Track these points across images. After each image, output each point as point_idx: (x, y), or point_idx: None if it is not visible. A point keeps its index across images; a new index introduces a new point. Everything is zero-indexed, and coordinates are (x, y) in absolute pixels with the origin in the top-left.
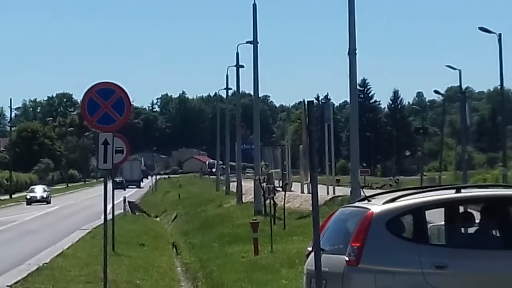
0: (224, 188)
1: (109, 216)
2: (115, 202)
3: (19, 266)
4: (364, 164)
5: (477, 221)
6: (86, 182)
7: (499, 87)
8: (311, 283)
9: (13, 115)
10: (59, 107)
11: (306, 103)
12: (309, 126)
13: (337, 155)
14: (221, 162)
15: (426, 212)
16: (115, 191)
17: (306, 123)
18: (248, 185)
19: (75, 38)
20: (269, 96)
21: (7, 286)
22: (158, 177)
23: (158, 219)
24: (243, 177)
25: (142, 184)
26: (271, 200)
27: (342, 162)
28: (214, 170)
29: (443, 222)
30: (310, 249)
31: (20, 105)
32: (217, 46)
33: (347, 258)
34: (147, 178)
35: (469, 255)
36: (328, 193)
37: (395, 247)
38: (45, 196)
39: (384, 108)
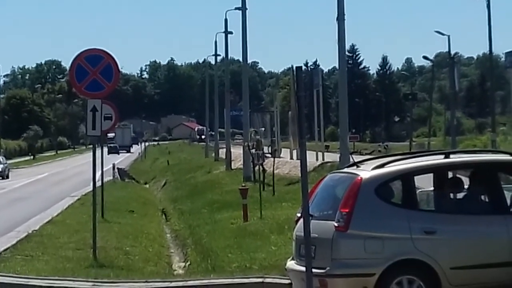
0: (213, 154)
1: (98, 183)
2: (104, 169)
3: (8, 233)
4: (353, 130)
5: (465, 186)
6: (75, 149)
7: (488, 52)
8: (300, 249)
9: (1, 82)
10: (48, 74)
11: (294, 68)
12: (298, 92)
13: (326, 121)
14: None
15: (415, 177)
16: (109, 155)
17: (294, 89)
18: (237, 152)
19: (64, 5)
20: (258, 63)
21: None
22: (147, 143)
23: (147, 186)
24: (232, 143)
25: (132, 150)
26: (260, 167)
27: (331, 128)
28: (203, 136)
29: (432, 188)
30: (299, 215)
31: (8, 72)
32: (206, 12)
33: (336, 224)
34: (137, 144)
35: (458, 221)
36: (317, 159)
37: (384, 213)
38: None
39: (373, 74)
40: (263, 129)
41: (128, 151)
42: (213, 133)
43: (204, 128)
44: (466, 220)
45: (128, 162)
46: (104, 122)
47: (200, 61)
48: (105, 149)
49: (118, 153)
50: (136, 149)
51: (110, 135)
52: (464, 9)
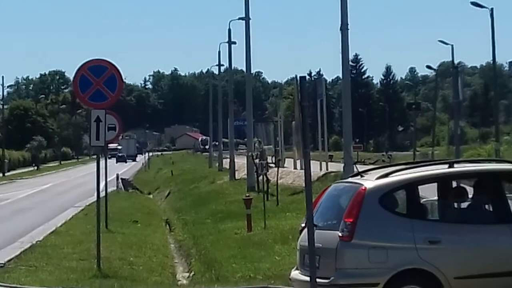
0: (217, 164)
1: (102, 193)
2: (108, 180)
3: (12, 243)
4: (357, 140)
5: (470, 196)
6: (79, 160)
7: (491, 62)
8: (305, 259)
9: (5, 92)
10: (51, 85)
11: (298, 78)
12: (302, 101)
13: (330, 131)
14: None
15: (419, 187)
16: (118, 163)
17: (298, 98)
18: (241, 162)
19: (67, 15)
20: (261, 73)
21: (0, 264)
22: (150, 154)
23: (151, 196)
24: (236, 153)
25: (137, 159)
26: (264, 176)
27: (335, 138)
28: (207, 146)
29: (436, 197)
30: (303, 225)
31: (12, 83)
32: (209, 22)
33: (340, 234)
34: (141, 154)
35: (462, 230)
36: (321, 169)
37: (388, 223)
38: None
39: (377, 83)
40: (259, 143)
41: (134, 160)
42: (216, 143)
43: (208, 138)
44: (471, 230)
45: (132, 172)
46: (108, 132)
47: (204, 71)
48: (114, 159)
49: (126, 162)
50: (140, 159)
51: (112, 145)
52: (467, 19)
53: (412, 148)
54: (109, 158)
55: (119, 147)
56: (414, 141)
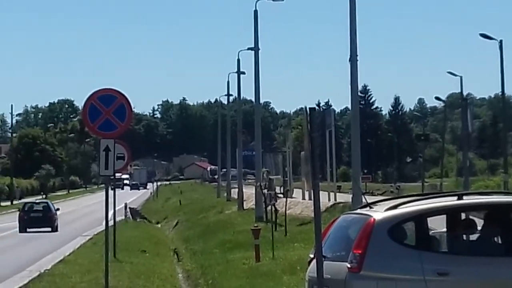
0: (225, 194)
1: (111, 223)
2: (117, 209)
3: (20, 272)
4: (365, 171)
5: (479, 228)
6: (87, 189)
7: (500, 93)
8: None
9: (14, 121)
10: (60, 113)
11: (307, 109)
12: (311, 132)
13: (338, 162)
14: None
15: (428, 219)
16: (132, 190)
17: (308, 129)
18: (249, 192)
19: (76, 44)
20: (270, 103)
21: None
22: (159, 183)
23: (159, 225)
24: (244, 183)
25: (148, 186)
26: (272, 207)
27: (343, 169)
28: (216, 176)
29: (445, 229)
30: (312, 256)
31: (21, 111)
32: (218, 52)
33: (349, 265)
34: (150, 183)
35: (471, 262)
36: (329, 200)
37: (397, 254)
38: None
39: (385, 114)
40: (267, 173)
41: (145, 188)
42: (225, 172)
43: (217, 168)
44: (480, 262)
45: (140, 202)
46: (117, 161)
47: (212, 101)
48: (127, 187)
49: (139, 189)
50: (149, 187)
51: (119, 175)
52: (476, 50)
53: (420, 179)
54: (118, 187)
55: (124, 176)
56: (423, 172)
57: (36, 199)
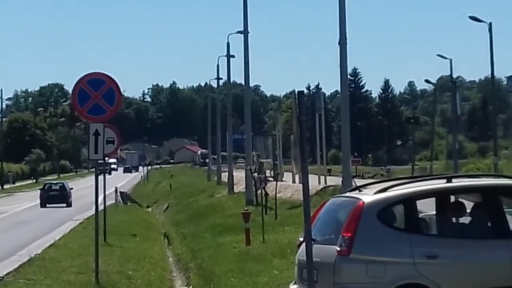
0: (216, 178)
1: (101, 207)
2: (107, 193)
3: (11, 257)
4: (356, 154)
5: (468, 210)
6: (78, 173)
7: (490, 76)
8: (303, 273)
9: (4, 105)
10: (50, 98)
11: (296, 93)
12: (300, 116)
13: (328, 145)
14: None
15: (417, 202)
16: (124, 173)
17: (296, 113)
18: (239, 175)
19: (66, 28)
20: (260, 86)
21: None
22: (149, 167)
23: (149, 209)
24: (235, 167)
25: (139, 169)
26: (263, 190)
27: (334, 152)
28: (207, 160)
29: (434, 212)
30: (301, 239)
31: (11, 96)
32: (208, 36)
33: (338, 248)
34: (141, 166)
35: (460, 245)
36: (319, 183)
37: (386, 237)
38: None
39: (375, 97)
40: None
41: (137, 171)
42: (215, 156)
43: (207, 151)
44: (469, 245)
45: (130, 186)
46: (107, 146)
47: (202, 85)
48: (121, 169)
49: (131, 172)
50: (140, 171)
51: (111, 160)
52: (466, 33)
53: (410, 162)
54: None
55: (112, 160)
56: (413, 155)
57: (53, 181)
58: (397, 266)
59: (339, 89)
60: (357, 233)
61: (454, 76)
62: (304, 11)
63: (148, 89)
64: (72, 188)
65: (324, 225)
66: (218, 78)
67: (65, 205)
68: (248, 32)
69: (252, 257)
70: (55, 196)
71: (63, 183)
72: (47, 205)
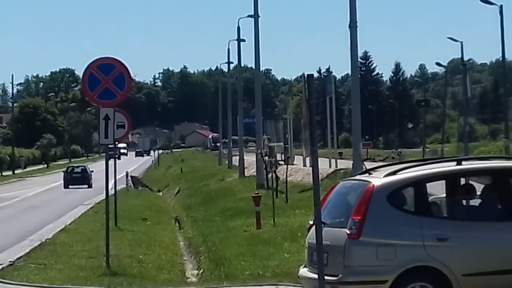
0: (227, 162)
1: (112, 191)
2: (118, 177)
3: (22, 241)
4: (367, 137)
5: (478, 193)
6: (89, 157)
7: (501, 58)
8: (313, 256)
9: (15, 91)
10: (61, 83)
11: (305, 76)
12: (309, 99)
13: (339, 128)
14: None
15: (427, 184)
16: (136, 157)
17: (306, 96)
18: (250, 159)
19: (77, 13)
20: (270, 70)
21: (9, 261)
22: (160, 151)
23: (160, 193)
24: (245, 151)
25: (151, 153)
26: (273, 174)
27: (345, 135)
28: (218, 144)
29: (444, 195)
30: (311, 222)
31: (22, 81)
32: (219, 20)
33: (348, 231)
34: (152, 150)
35: (470, 227)
36: (330, 166)
37: (396, 220)
38: None
39: (386, 80)
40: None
41: (148, 154)
42: (226, 140)
43: (218, 135)
44: (479, 227)
45: (141, 170)
46: (117, 130)
47: (213, 69)
48: (131, 154)
49: (143, 156)
50: (151, 155)
51: (121, 145)
52: (477, 16)
53: (421, 145)
54: (117, 157)
55: (121, 145)
56: (424, 138)
57: (75, 164)
58: (407, 249)
59: (349, 72)
60: (367, 216)
61: (465, 58)
62: None
63: (159, 73)
64: (92, 171)
65: (334, 208)
66: (229, 62)
67: (86, 186)
68: (259, 16)
69: (263, 241)
70: (77, 178)
71: (84, 166)
72: (70, 186)
